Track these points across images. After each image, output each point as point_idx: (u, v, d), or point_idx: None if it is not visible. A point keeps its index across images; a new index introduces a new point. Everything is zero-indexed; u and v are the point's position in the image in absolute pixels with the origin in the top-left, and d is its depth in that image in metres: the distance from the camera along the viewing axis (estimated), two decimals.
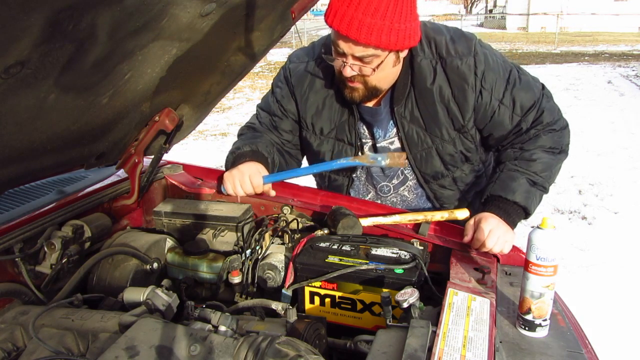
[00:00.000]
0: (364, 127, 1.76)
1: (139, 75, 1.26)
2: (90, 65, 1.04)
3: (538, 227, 1.13)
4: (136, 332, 1.02)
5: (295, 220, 1.68)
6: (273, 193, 1.71)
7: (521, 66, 1.72)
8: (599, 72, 13.86)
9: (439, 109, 1.63)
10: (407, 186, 1.82)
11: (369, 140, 1.78)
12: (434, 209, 1.83)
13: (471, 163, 1.77)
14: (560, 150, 1.67)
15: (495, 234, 1.47)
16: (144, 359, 0.96)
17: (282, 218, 1.66)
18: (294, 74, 1.77)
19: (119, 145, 1.56)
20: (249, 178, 1.62)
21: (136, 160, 1.64)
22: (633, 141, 7.07)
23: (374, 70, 1.52)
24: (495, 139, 1.70)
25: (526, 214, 1.62)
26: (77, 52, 0.96)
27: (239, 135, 1.90)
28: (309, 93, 1.76)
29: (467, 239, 1.49)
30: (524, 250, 1.17)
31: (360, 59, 1.50)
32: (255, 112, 1.92)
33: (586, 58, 17.04)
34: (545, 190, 1.65)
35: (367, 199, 1.86)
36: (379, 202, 1.85)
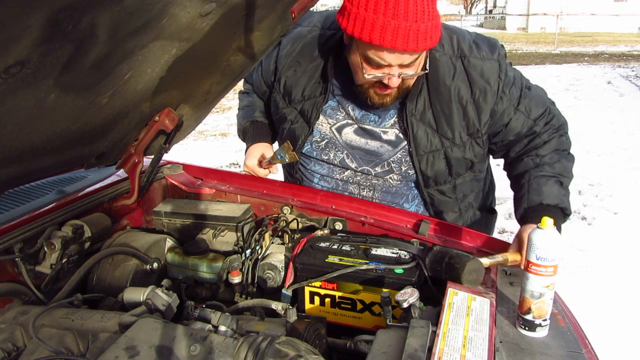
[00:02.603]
0: (348, 107, 1.65)
1: (139, 75, 1.26)
2: (90, 65, 1.04)
3: (538, 227, 1.13)
4: (136, 332, 1.02)
5: (295, 220, 1.68)
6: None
7: (521, 67, 1.72)
8: (599, 72, 13.86)
9: (454, 110, 1.54)
10: (390, 178, 1.70)
11: (342, 121, 1.65)
12: (425, 208, 1.75)
13: (474, 171, 1.71)
14: (568, 152, 1.67)
15: None
16: (144, 359, 0.95)
17: (282, 218, 1.65)
18: (289, 32, 1.66)
19: (119, 145, 1.56)
20: (257, 170, 1.80)
21: (136, 160, 1.64)
22: (633, 142, 7.07)
23: (417, 71, 1.45)
24: (506, 145, 1.66)
25: (565, 214, 1.55)
26: (77, 52, 0.96)
27: (239, 99, 2.00)
28: (294, 54, 1.66)
29: (523, 263, 1.29)
30: None
31: (406, 65, 1.41)
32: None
33: (586, 58, 17.04)
34: (568, 190, 1.60)
35: (341, 176, 1.75)
36: (358, 178, 1.72)
